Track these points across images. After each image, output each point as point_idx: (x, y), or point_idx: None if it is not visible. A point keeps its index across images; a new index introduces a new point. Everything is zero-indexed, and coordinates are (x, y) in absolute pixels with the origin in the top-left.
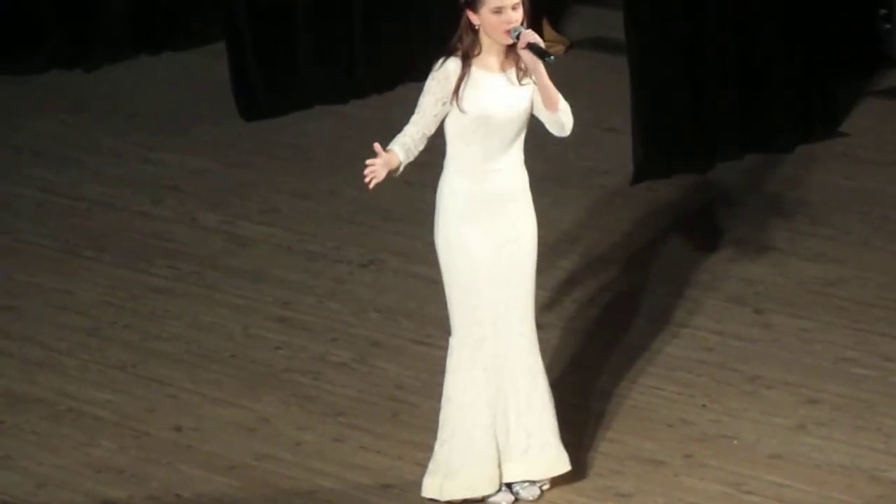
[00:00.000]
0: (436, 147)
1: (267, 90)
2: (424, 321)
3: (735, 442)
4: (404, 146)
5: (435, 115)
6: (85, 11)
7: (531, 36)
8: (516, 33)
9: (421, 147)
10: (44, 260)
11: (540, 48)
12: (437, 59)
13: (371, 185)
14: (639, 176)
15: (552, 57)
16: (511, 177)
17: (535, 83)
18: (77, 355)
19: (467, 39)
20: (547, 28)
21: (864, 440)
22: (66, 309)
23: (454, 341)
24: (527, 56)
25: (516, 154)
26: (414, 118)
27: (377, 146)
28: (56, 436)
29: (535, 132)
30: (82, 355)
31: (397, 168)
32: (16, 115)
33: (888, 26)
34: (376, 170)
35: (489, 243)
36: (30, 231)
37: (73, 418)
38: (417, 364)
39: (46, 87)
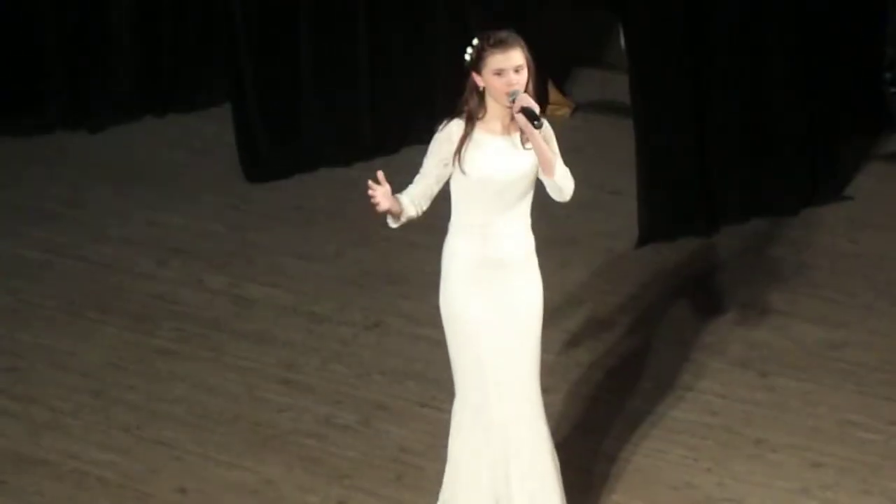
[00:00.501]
0: (440, 210)
1: (271, 152)
2: (429, 384)
3: None
4: (408, 195)
5: (437, 176)
6: (90, 72)
7: (525, 100)
8: (513, 97)
9: (425, 205)
10: (48, 321)
11: (531, 112)
12: (445, 117)
13: (378, 209)
14: (644, 239)
15: (541, 122)
16: (516, 241)
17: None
18: (81, 416)
19: (473, 101)
20: (552, 91)
21: None
22: (71, 370)
23: (457, 403)
24: (521, 120)
25: (521, 218)
26: (417, 178)
27: (380, 173)
28: (60, 497)
29: (540, 194)
30: (87, 416)
31: (399, 215)
32: (20, 175)
33: (893, 90)
34: (377, 195)
35: (492, 307)
36: (34, 292)
37: (76, 479)
38: (422, 427)
39: (51, 147)
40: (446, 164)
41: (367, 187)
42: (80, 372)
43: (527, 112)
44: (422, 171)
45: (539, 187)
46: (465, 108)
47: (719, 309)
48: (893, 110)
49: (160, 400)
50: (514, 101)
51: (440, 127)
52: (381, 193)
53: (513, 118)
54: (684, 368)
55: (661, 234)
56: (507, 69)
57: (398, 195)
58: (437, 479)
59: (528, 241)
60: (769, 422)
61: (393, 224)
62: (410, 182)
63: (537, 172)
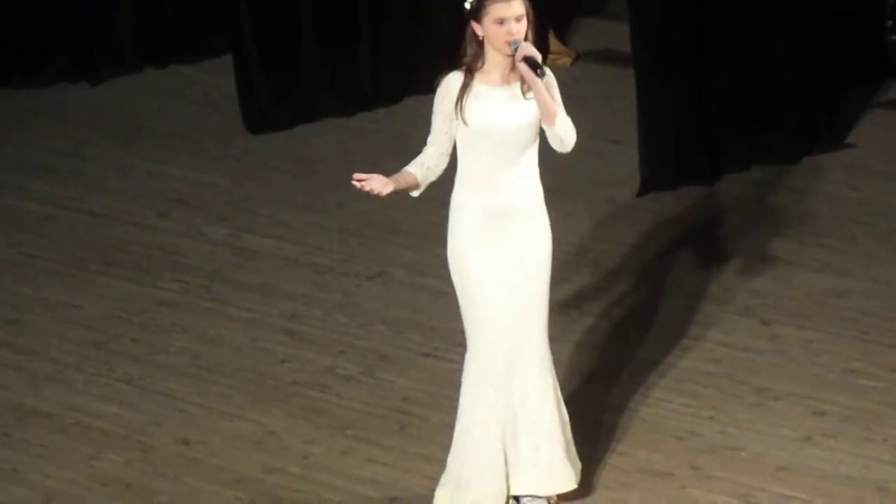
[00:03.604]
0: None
1: (273, 103)
2: (432, 334)
3: (742, 454)
4: (422, 166)
5: (446, 133)
6: (91, 25)
7: (528, 49)
8: (515, 46)
9: (443, 164)
10: (50, 274)
11: (534, 61)
12: (443, 72)
13: (382, 195)
14: (645, 188)
15: (544, 71)
16: (522, 191)
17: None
18: (84, 369)
19: (471, 52)
20: (553, 40)
21: (871, 451)
22: (73, 323)
23: (468, 355)
24: (523, 69)
25: (527, 168)
26: (430, 138)
27: (356, 175)
28: (63, 449)
29: (541, 145)
30: (89, 369)
31: (413, 187)
32: (22, 128)
33: (894, 37)
34: (370, 185)
35: (500, 260)
36: (36, 245)
37: (80, 432)
38: (425, 377)
39: (52, 100)
40: (451, 119)
41: (369, 136)
42: (82, 324)
43: (529, 61)
44: (431, 129)
45: (543, 137)
46: (465, 58)
47: (721, 257)
48: (894, 58)
49: (162, 352)
50: (516, 51)
51: (439, 81)
52: (373, 182)
53: (513, 67)
54: (687, 317)
55: (663, 183)
56: (508, 18)
57: (406, 168)
58: (441, 429)
59: (535, 191)
60: (772, 370)
61: (415, 194)
62: (414, 131)
63: (540, 122)
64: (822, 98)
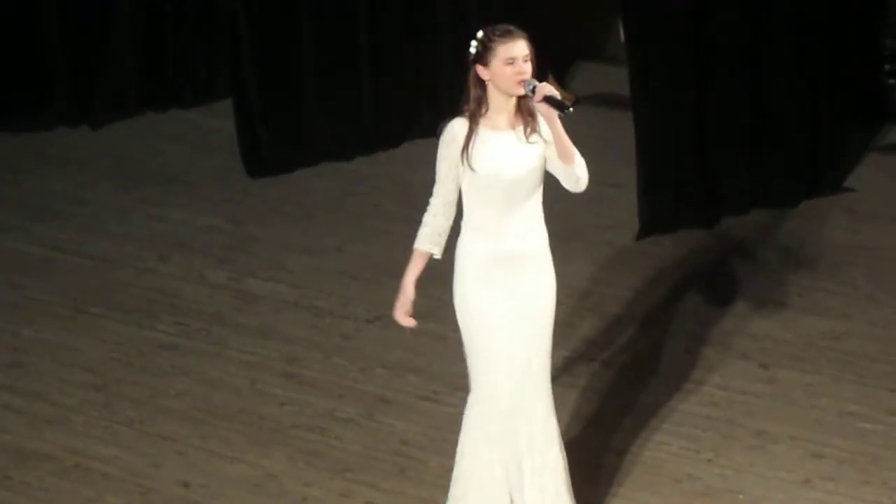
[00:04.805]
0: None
1: (273, 147)
2: (431, 377)
3: (741, 497)
4: (433, 234)
5: (453, 181)
6: (91, 69)
7: (547, 89)
8: (531, 87)
9: (452, 214)
10: (50, 316)
11: (557, 101)
12: (444, 117)
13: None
14: (644, 231)
15: (570, 109)
16: (527, 236)
17: (544, 139)
18: (84, 411)
19: (475, 97)
20: (553, 84)
21: (869, 495)
22: (73, 365)
23: (471, 397)
24: (543, 109)
25: (532, 213)
26: (435, 189)
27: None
28: (63, 492)
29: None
30: (89, 411)
31: (429, 257)
32: (22, 171)
33: (893, 81)
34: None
35: (504, 303)
36: (36, 287)
37: (80, 474)
38: (424, 420)
39: (53, 143)
40: (457, 165)
41: (368, 180)
42: (83, 367)
43: (551, 101)
44: (437, 179)
45: (546, 181)
46: (467, 105)
47: (720, 301)
48: (894, 101)
49: (163, 395)
50: (533, 91)
51: (443, 128)
52: (404, 314)
53: (517, 111)
54: (685, 360)
55: (662, 227)
56: (517, 57)
57: (419, 245)
58: (440, 473)
59: (540, 237)
60: (770, 413)
61: (438, 256)
62: (414, 175)
63: (545, 165)
64: (822, 142)
